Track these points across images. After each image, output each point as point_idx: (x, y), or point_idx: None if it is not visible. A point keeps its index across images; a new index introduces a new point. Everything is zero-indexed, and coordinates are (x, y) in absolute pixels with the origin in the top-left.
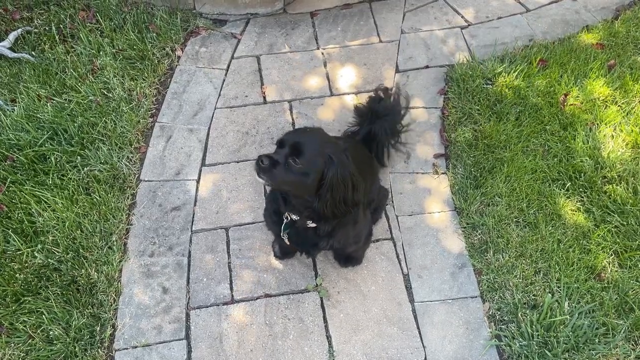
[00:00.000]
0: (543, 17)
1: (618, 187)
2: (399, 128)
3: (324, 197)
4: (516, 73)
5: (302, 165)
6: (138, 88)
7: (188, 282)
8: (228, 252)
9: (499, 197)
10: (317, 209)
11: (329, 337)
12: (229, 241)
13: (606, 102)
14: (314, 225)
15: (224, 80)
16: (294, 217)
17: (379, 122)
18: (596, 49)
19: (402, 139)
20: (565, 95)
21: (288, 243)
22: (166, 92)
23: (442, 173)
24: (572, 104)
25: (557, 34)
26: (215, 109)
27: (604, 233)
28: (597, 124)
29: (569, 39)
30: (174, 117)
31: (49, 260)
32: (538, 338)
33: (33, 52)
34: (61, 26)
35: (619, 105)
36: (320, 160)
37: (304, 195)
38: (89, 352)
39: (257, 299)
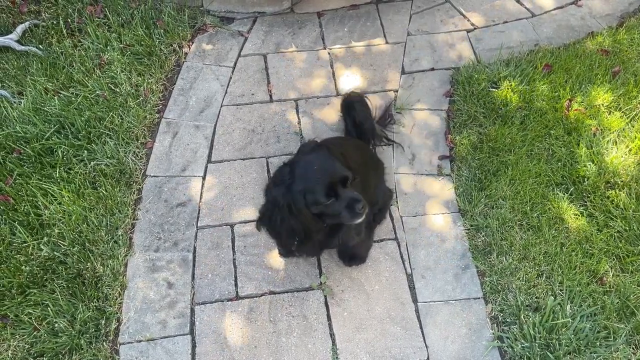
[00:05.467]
0: (548, 22)
1: (621, 192)
2: (379, 132)
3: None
4: (521, 77)
5: (355, 179)
6: (145, 84)
7: (193, 278)
8: (233, 249)
9: (503, 200)
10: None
11: (332, 335)
12: (234, 238)
13: (610, 108)
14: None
15: (230, 77)
16: None
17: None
18: (601, 55)
19: (389, 136)
20: (570, 100)
21: (297, 253)
22: (173, 89)
23: (447, 175)
24: (576, 109)
25: (562, 40)
26: (221, 106)
27: (606, 237)
28: (601, 130)
29: (574, 45)
30: (180, 113)
31: (55, 253)
32: (540, 340)
33: (40, 46)
34: (69, 20)
35: (622, 112)
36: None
37: None
38: (94, 345)
39: (261, 295)
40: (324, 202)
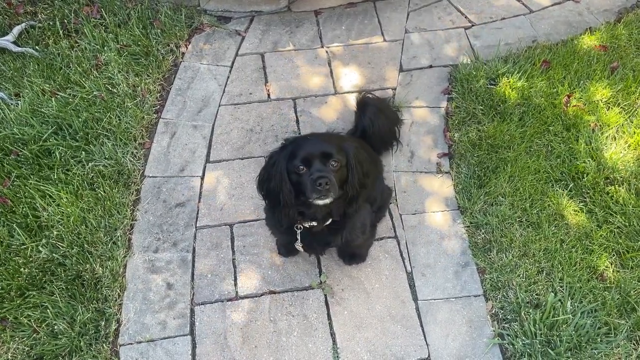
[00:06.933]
0: (546, 18)
1: (620, 188)
2: (387, 139)
3: (351, 178)
4: (520, 74)
5: (337, 162)
6: (142, 84)
7: (192, 278)
8: (232, 249)
9: (503, 197)
10: (349, 192)
11: (333, 334)
12: (234, 238)
13: (609, 103)
14: (329, 221)
15: (228, 77)
16: (312, 223)
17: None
18: (599, 50)
19: (399, 139)
20: (568, 96)
21: (302, 249)
22: (170, 89)
23: (446, 172)
24: (575, 106)
25: (560, 36)
26: (219, 105)
27: (606, 234)
28: (600, 126)
29: (572, 41)
30: (178, 113)
31: (54, 254)
32: (541, 337)
33: (37, 47)
34: (65, 21)
35: (621, 107)
36: (342, 153)
37: (341, 186)
38: (93, 346)
39: (261, 295)
40: (297, 169)
